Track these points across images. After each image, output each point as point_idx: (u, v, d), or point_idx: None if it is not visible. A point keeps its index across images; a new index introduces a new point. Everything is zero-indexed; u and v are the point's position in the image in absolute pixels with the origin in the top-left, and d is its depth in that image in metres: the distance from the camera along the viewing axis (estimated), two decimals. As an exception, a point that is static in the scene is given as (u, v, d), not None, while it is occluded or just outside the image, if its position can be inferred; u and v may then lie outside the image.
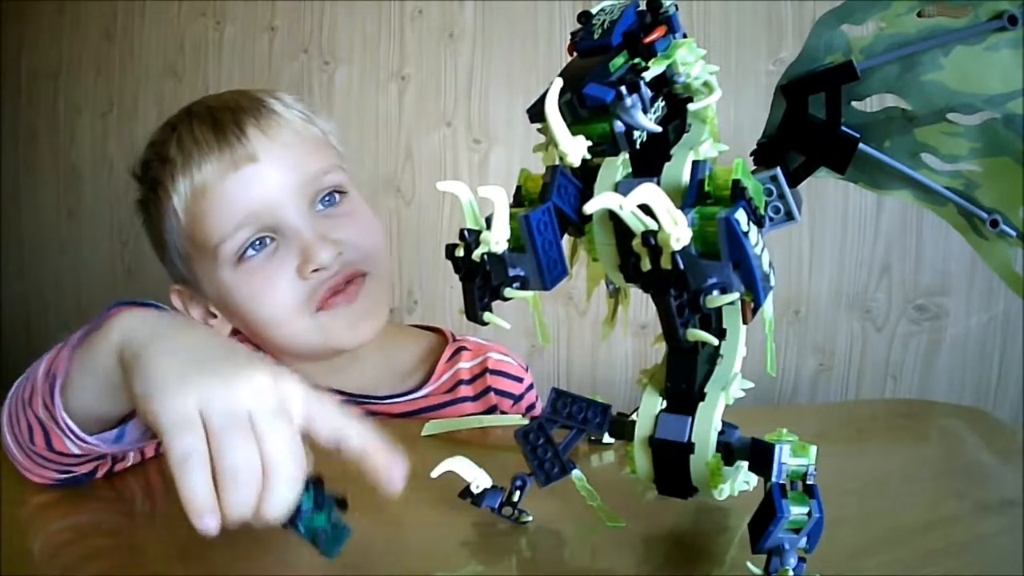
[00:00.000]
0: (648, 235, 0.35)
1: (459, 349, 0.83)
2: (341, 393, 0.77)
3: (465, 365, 0.82)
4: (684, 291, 0.35)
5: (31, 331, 1.52)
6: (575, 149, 0.36)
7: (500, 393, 0.81)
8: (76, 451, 0.49)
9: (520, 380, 0.83)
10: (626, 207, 0.34)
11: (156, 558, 0.45)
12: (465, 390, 0.81)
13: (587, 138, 0.37)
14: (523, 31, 1.26)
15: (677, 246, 0.34)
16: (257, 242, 0.69)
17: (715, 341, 0.38)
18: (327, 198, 0.73)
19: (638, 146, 0.38)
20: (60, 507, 0.51)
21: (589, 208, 0.35)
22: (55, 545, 0.48)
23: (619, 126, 0.37)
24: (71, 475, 0.52)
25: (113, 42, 1.42)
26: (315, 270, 0.68)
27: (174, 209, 0.71)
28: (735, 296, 0.36)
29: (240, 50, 1.36)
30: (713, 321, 0.42)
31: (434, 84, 1.30)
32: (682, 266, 0.34)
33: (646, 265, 0.36)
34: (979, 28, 0.37)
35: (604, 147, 0.38)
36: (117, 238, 1.44)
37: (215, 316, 0.76)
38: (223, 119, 0.71)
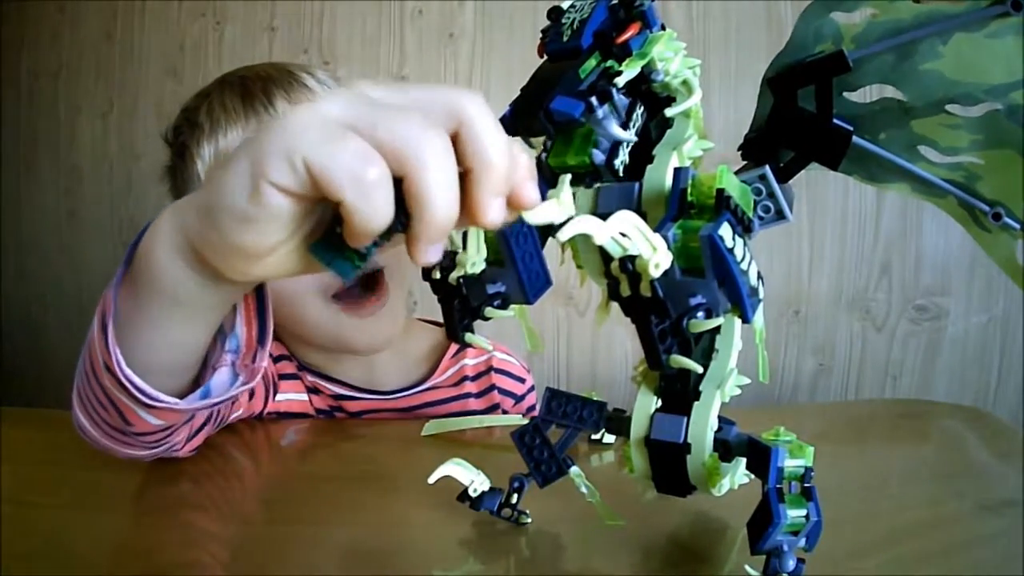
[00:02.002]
0: (626, 261, 0.33)
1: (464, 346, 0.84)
2: (346, 385, 0.78)
3: (470, 362, 0.82)
4: (665, 318, 0.34)
5: (31, 331, 1.52)
6: (564, 211, 0.32)
7: (503, 392, 0.82)
8: (153, 421, 0.44)
9: (523, 381, 0.84)
10: (600, 238, 0.32)
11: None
12: (470, 386, 0.82)
13: (567, 170, 0.35)
14: (523, 31, 1.26)
15: (656, 273, 0.32)
16: None
17: (699, 369, 0.36)
18: None
19: (621, 173, 0.36)
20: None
21: (562, 236, 0.32)
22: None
23: (599, 157, 0.35)
24: (163, 447, 0.50)
25: (113, 42, 1.42)
26: None
27: (198, 175, 0.71)
28: (720, 321, 0.34)
29: (240, 50, 1.36)
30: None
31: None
32: (662, 294, 0.33)
33: (626, 291, 0.34)
34: (980, 14, 0.34)
35: (587, 179, 0.35)
36: (117, 238, 1.44)
37: None
38: (253, 89, 0.71)
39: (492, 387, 0.82)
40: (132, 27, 1.41)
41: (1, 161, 1.48)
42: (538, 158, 0.37)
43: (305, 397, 0.78)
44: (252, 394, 0.70)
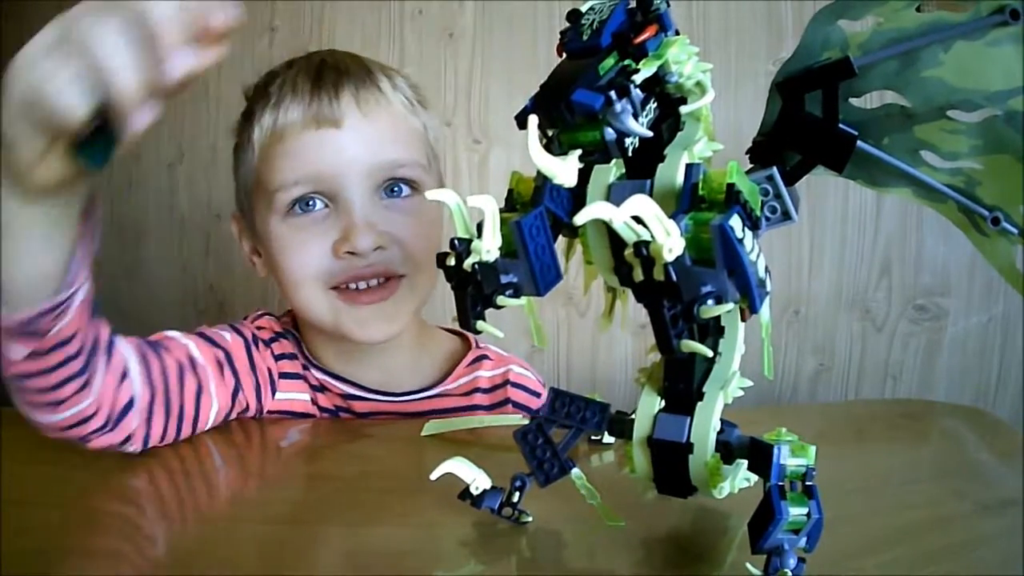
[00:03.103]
0: (640, 246, 0.34)
1: (481, 357, 0.83)
2: (357, 386, 0.78)
3: (485, 374, 0.81)
4: (677, 302, 0.35)
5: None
6: (568, 173, 0.35)
7: (518, 406, 0.81)
8: (17, 354, 0.50)
9: (538, 395, 0.83)
10: (616, 220, 0.33)
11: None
12: (481, 398, 0.81)
13: (577, 146, 0.36)
14: (523, 31, 1.26)
15: (669, 257, 0.33)
16: (310, 202, 0.71)
17: (709, 352, 0.37)
18: (395, 189, 0.73)
19: (630, 153, 0.37)
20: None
21: (579, 219, 0.34)
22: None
23: (610, 134, 0.36)
24: (72, 412, 0.54)
25: (113, 42, 1.41)
26: (349, 252, 0.69)
27: (253, 141, 0.73)
28: (730, 306, 0.35)
29: (240, 50, 1.36)
30: (711, 320, 0.42)
31: (434, 84, 1.30)
32: (675, 278, 0.34)
33: (639, 276, 0.35)
34: (980, 23, 0.36)
35: (596, 155, 0.37)
36: (117, 238, 1.44)
37: (259, 255, 0.79)
38: (325, 76, 0.72)
39: (507, 400, 0.80)
40: (132, 27, 1.41)
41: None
42: (551, 135, 0.38)
43: (307, 397, 0.78)
44: (235, 393, 0.70)
